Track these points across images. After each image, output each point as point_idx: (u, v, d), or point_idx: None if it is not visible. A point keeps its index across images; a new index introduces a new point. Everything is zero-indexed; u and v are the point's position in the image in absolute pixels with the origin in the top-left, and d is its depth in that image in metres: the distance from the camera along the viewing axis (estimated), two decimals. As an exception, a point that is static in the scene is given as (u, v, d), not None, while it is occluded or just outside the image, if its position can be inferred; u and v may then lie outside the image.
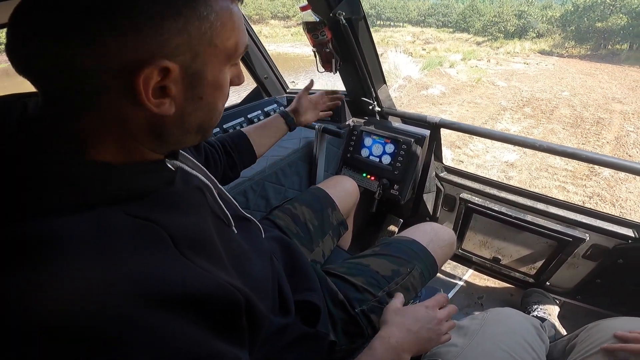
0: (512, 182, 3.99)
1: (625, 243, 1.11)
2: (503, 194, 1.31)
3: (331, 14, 1.11)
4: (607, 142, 5.81)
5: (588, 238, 1.16)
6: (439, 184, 1.46)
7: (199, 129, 0.42)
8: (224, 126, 1.29)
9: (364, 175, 1.39)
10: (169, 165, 0.42)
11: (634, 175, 1.10)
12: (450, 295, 1.49)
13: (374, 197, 1.37)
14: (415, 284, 0.84)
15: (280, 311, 0.59)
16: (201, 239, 0.40)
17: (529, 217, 1.25)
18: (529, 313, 1.29)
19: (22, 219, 0.29)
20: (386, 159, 1.34)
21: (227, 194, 0.57)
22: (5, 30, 0.32)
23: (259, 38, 1.54)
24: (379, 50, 1.33)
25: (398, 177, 1.31)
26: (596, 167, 4.29)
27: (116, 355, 0.27)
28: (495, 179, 1.38)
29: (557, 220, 1.21)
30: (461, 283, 1.55)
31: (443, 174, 1.45)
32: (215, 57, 0.38)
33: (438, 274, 1.56)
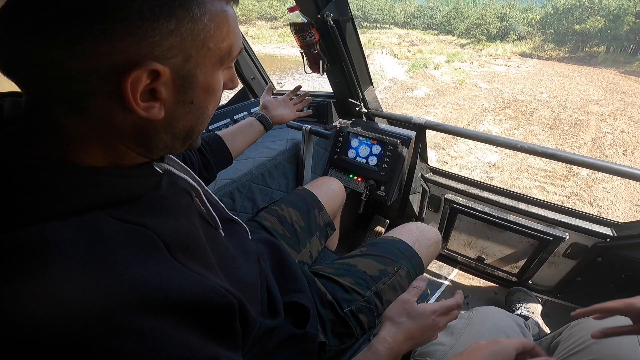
0: (494, 183, 4.09)
1: (604, 241, 1.14)
2: (486, 194, 1.34)
3: (319, 16, 1.12)
4: (585, 143, 6.01)
5: (568, 237, 1.20)
6: (424, 185, 1.48)
7: (188, 134, 0.41)
8: (210, 127, 1.28)
9: (351, 176, 1.40)
10: (157, 168, 0.41)
11: (610, 176, 1.14)
12: (437, 294, 1.51)
13: (361, 198, 1.37)
14: (403, 284, 0.85)
15: (269, 313, 0.58)
16: (191, 243, 0.40)
17: (511, 217, 1.28)
18: (513, 311, 1.31)
19: (9, 227, 0.28)
20: (373, 160, 1.35)
21: (214, 196, 0.56)
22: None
23: (246, 39, 1.54)
24: (366, 52, 1.34)
25: (384, 178, 1.32)
26: (574, 167, 4.43)
27: None
28: (478, 179, 1.40)
29: (538, 219, 1.24)
30: (447, 283, 1.57)
31: (428, 175, 1.47)
32: (209, 60, 0.37)
33: (424, 274, 1.58)
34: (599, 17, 29.30)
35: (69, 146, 0.33)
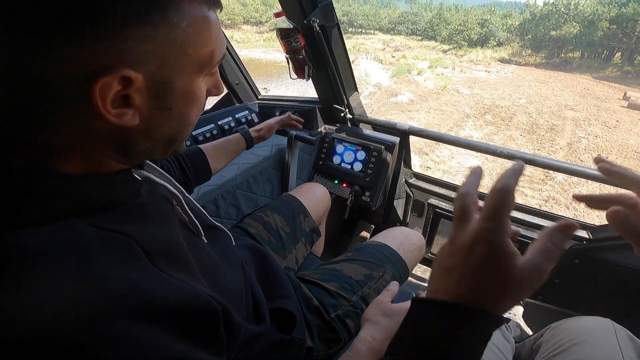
0: None
1: (580, 244, 1.17)
2: None
3: (305, 21, 1.12)
4: (561, 148, 6.24)
5: None
6: (408, 190, 1.50)
7: (170, 141, 0.40)
8: (193, 133, 1.26)
9: (336, 182, 1.41)
10: (136, 175, 0.41)
11: (586, 180, 1.18)
12: None
13: (346, 204, 1.38)
14: None
15: (255, 319, 0.58)
16: (173, 250, 0.39)
17: None
18: None
19: None
20: (357, 166, 1.36)
21: (196, 203, 0.55)
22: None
23: (231, 43, 1.52)
24: (351, 57, 1.36)
25: (369, 183, 1.33)
26: (551, 172, 4.61)
27: None
28: (460, 184, 1.43)
29: (517, 223, 1.27)
30: None
31: (412, 180, 1.49)
32: (188, 66, 0.36)
33: (410, 278, 1.59)
34: (574, 23, 29.99)
35: (46, 153, 0.33)
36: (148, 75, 0.33)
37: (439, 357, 0.31)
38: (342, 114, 1.43)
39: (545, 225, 1.22)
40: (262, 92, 1.73)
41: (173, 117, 0.38)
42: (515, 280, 0.31)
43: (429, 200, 1.43)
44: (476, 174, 0.38)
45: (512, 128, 7.42)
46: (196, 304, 0.34)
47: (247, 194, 1.22)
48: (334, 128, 1.48)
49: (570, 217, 3.67)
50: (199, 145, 0.92)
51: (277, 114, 1.51)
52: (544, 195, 4.00)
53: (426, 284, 1.59)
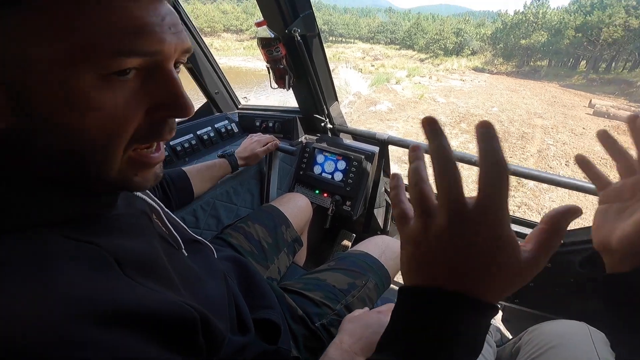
0: None
1: None
2: None
3: (286, 31, 1.13)
4: (531, 155, 6.51)
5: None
6: (388, 199, 1.52)
7: (76, 163, 0.32)
8: (171, 143, 1.23)
9: (317, 192, 1.41)
10: None
11: (555, 186, 1.23)
12: None
13: (327, 214, 1.39)
14: (371, 295, 0.86)
15: (239, 330, 0.57)
16: (149, 262, 0.38)
17: None
18: None
19: None
20: (338, 176, 1.37)
21: (175, 217, 0.54)
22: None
23: (210, 51, 1.51)
24: (331, 66, 1.38)
25: (350, 193, 1.34)
26: (523, 179, 4.84)
27: None
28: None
29: None
30: None
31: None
32: (50, 62, 0.27)
33: (392, 285, 1.62)
34: (543, 32, 31.17)
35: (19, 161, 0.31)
36: None
37: (437, 349, 0.30)
38: (322, 124, 1.44)
39: (520, 231, 1.26)
40: (243, 102, 1.72)
41: (53, 129, 0.30)
42: (517, 272, 0.29)
43: None
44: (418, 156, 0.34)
45: None
46: (172, 312, 0.33)
47: (227, 204, 1.20)
48: (315, 138, 1.49)
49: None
50: (182, 168, 0.93)
51: (258, 124, 1.50)
52: (516, 201, 4.17)
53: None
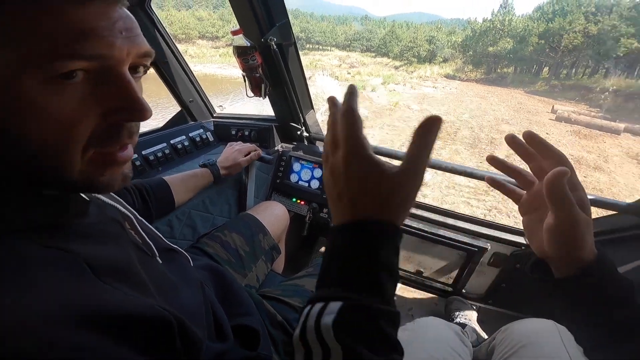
0: (427, 200, 4.43)
1: (520, 250, 1.27)
2: (419, 212, 1.44)
3: (262, 39, 1.13)
4: None
5: (490, 247, 1.32)
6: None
7: (31, 171, 0.32)
8: (143, 152, 1.20)
9: (294, 200, 1.42)
10: (83, 196, 0.40)
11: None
12: None
13: (305, 221, 1.39)
14: None
15: (217, 337, 0.57)
16: (122, 268, 0.37)
17: (442, 232, 1.38)
18: (452, 320, 1.39)
19: None
20: (315, 184, 1.39)
21: (149, 225, 0.54)
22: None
23: (184, 58, 1.50)
24: (308, 74, 1.41)
25: (327, 200, 1.36)
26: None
27: None
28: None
29: (464, 232, 1.36)
30: None
31: None
32: None
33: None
34: (509, 39, 32.11)
35: None
36: None
37: (358, 273, 0.36)
38: (298, 132, 1.46)
39: (492, 234, 1.32)
40: (218, 110, 1.71)
41: (4, 136, 0.30)
42: (395, 186, 0.36)
43: None
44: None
45: (457, 142, 7.99)
46: (148, 315, 0.33)
47: (203, 214, 1.19)
48: (291, 146, 1.50)
49: (511, 225, 3.93)
50: (164, 177, 0.92)
51: (233, 132, 1.50)
52: (487, 205, 4.35)
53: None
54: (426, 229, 1.40)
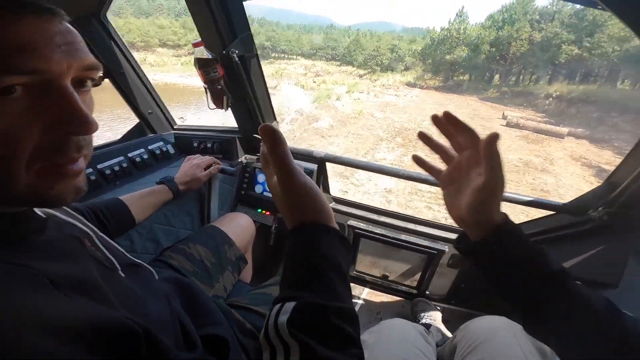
0: (391, 206, 4.59)
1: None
2: (382, 218, 1.49)
3: (224, 52, 1.13)
4: None
5: (447, 249, 1.39)
6: (329, 213, 1.58)
7: None
8: (99, 166, 1.15)
9: (259, 210, 1.42)
10: (40, 213, 0.40)
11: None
12: None
13: (271, 231, 1.40)
14: None
15: (186, 347, 0.57)
16: (83, 282, 0.37)
17: (404, 236, 1.45)
18: (418, 321, 1.44)
19: None
20: (280, 194, 1.40)
21: (110, 241, 0.54)
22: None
23: (142, 68, 1.46)
24: (274, 83, 1.42)
25: None
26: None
27: None
28: (377, 204, 1.56)
29: (424, 236, 1.42)
30: (360, 302, 1.67)
31: (332, 205, 1.57)
32: None
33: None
34: (464, 47, 33.20)
35: None
36: None
37: (306, 271, 0.40)
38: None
39: (450, 237, 1.39)
40: (179, 122, 1.67)
41: None
42: (320, 197, 0.44)
43: (349, 222, 1.52)
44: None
45: (418, 149, 8.26)
46: (111, 324, 0.33)
47: (165, 227, 1.16)
48: (255, 158, 1.50)
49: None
50: (120, 197, 0.91)
51: (195, 144, 1.47)
52: (422, 205, 4.65)
53: (355, 300, 1.68)
54: (389, 235, 1.45)
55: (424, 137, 0.56)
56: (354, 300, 1.66)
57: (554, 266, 0.45)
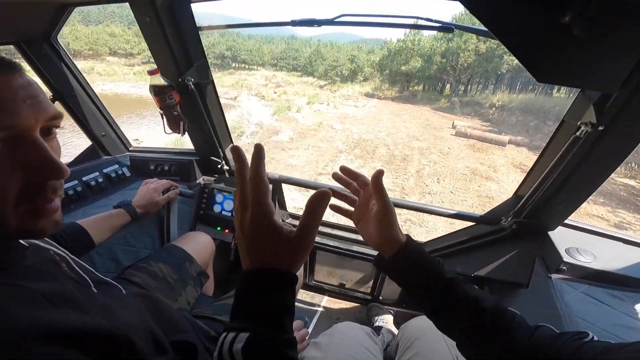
0: (343, 220, 4.74)
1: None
2: (336, 232, 1.60)
3: (180, 79, 1.16)
4: (411, 175, 7.35)
5: None
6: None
7: None
8: None
9: (219, 228, 1.46)
10: (23, 243, 0.45)
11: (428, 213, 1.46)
12: (314, 320, 1.68)
13: (231, 247, 1.45)
14: None
15: (157, 352, 0.60)
16: (68, 297, 0.42)
17: (355, 247, 1.55)
18: (372, 324, 1.55)
19: None
20: (238, 213, 1.46)
21: (82, 262, 0.59)
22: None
23: (91, 86, 1.44)
24: (233, 94, 1.46)
25: None
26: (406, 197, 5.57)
27: None
28: (332, 218, 1.66)
29: None
30: (320, 309, 1.75)
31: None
32: None
33: (300, 304, 1.75)
34: (418, 58, 33.46)
35: None
36: None
37: (263, 310, 0.42)
38: (219, 166, 1.50)
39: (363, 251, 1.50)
40: (134, 144, 1.66)
41: None
42: (291, 247, 0.44)
43: None
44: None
45: (375, 160, 8.47)
46: (97, 330, 0.39)
47: (125, 248, 1.18)
48: (213, 179, 1.54)
49: (423, 232, 4.61)
50: (77, 222, 0.93)
51: (152, 167, 1.49)
52: (402, 218, 4.84)
53: (316, 308, 1.76)
54: (342, 246, 1.56)
55: (337, 179, 0.66)
56: (314, 308, 1.76)
57: (449, 274, 0.55)
